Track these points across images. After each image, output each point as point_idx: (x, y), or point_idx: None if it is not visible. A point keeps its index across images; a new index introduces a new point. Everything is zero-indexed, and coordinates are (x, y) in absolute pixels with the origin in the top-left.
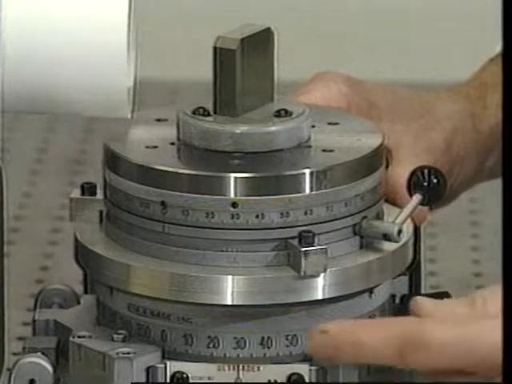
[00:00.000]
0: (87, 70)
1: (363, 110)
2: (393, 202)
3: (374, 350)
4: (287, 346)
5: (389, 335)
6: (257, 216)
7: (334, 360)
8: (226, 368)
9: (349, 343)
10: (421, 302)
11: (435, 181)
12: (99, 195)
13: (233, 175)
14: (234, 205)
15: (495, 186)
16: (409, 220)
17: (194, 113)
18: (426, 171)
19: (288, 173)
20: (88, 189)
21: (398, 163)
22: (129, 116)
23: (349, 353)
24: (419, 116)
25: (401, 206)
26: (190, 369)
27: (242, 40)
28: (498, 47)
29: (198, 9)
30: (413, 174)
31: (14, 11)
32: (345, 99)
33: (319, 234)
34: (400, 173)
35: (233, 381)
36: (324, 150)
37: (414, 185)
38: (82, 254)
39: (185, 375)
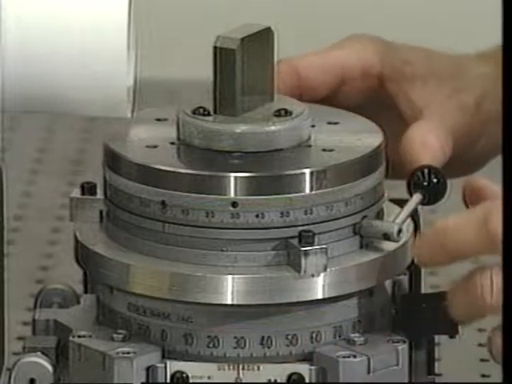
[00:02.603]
0: (87, 70)
1: (396, 69)
2: (404, 159)
3: (459, 229)
4: (287, 346)
5: (472, 212)
6: (257, 216)
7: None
8: (226, 368)
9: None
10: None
11: (435, 180)
12: (99, 195)
13: (233, 175)
14: (234, 204)
15: None
16: (409, 220)
17: (194, 112)
18: (426, 171)
19: (288, 172)
20: (88, 188)
21: (426, 120)
22: (129, 116)
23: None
24: (450, 77)
25: (412, 164)
26: (190, 368)
27: (242, 39)
28: None
29: (198, 9)
30: (413, 173)
31: (14, 11)
32: (378, 57)
33: (319, 233)
34: (426, 128)
35: (233, 380)
36: (324, 150)
37: (414, 185)
38: (81, 253)
39: (185, 375)
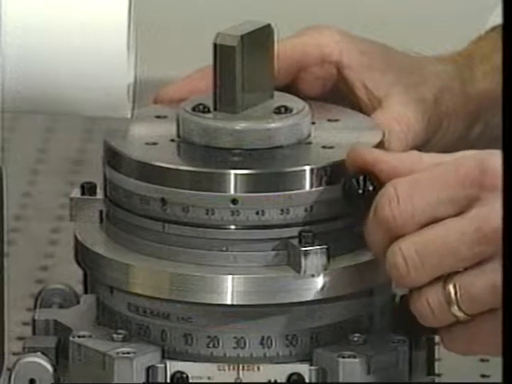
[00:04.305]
0: (87, 70)
1: (355, 58)
2: None
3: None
4: (287, 346)
5: None
6: (257, 213)
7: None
8: (226, 368)
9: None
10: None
11: (371, 188)
12: (99, 195)
13: (233, 172)
14: (234, 201)
15: None
16: None
17: (193, 109)
18: (361, 178)
19: (288, 169)
20: (88, 188)
21: (385, 109)
22: (129, 116)
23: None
24: (409, 71)
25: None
26: (190, 369)
27: (242, 37)
28: (486, 25)
29: (198, 9)
30: (346, 181)
31: (14, 11)
32: (337, 46)
33: (319, 232)
34: (388, 116)
35: (233, 381)
36: (324, 147)
37: (347, 193)
38: (82, 253)
39: (185, 375)
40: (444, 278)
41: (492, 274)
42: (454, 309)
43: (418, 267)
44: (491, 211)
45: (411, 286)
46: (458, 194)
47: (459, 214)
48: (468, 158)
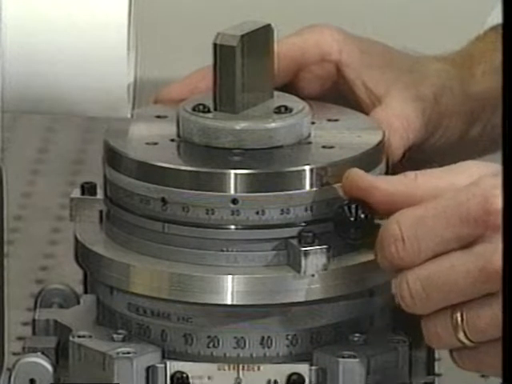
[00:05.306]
0: (87, 70)
1: (355, 57)
2: None
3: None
4: (287, 346)
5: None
6: (257, 213)
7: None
8: (226, 368)
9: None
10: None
11: (362, 216)
12: (99, 195)
13: (233, 172)
14: (235, 201)
15: None
16: None
17: (194, 109)
18: (353, 206)
19: (288, 169)
20: (88, 188)
21: (385, 106)
22: (128, 116)
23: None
24: (409, 70)
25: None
26: (190, 369)
27: (242, 37)
28: (485, 24)
29: (198, 8)
30: (338, 208)
31: (14, 11)
32: (337, 45)
33: (319, 232)
34: (388, 112)
35: (233, 381)
36: (324, 147)
37: (339, 220)
38: (81, 253)
39: (185, 375)
40: (452, 306)
41: (498, 308)
42: (461, 335)
43: (424, 300)
44: (495, 250)
45: (420, 313)
46: (463, 232)
47: (464, 247)
48: (471, 193)
